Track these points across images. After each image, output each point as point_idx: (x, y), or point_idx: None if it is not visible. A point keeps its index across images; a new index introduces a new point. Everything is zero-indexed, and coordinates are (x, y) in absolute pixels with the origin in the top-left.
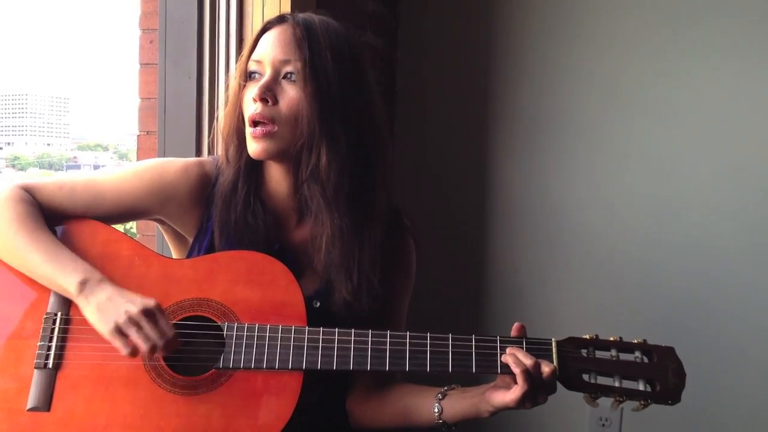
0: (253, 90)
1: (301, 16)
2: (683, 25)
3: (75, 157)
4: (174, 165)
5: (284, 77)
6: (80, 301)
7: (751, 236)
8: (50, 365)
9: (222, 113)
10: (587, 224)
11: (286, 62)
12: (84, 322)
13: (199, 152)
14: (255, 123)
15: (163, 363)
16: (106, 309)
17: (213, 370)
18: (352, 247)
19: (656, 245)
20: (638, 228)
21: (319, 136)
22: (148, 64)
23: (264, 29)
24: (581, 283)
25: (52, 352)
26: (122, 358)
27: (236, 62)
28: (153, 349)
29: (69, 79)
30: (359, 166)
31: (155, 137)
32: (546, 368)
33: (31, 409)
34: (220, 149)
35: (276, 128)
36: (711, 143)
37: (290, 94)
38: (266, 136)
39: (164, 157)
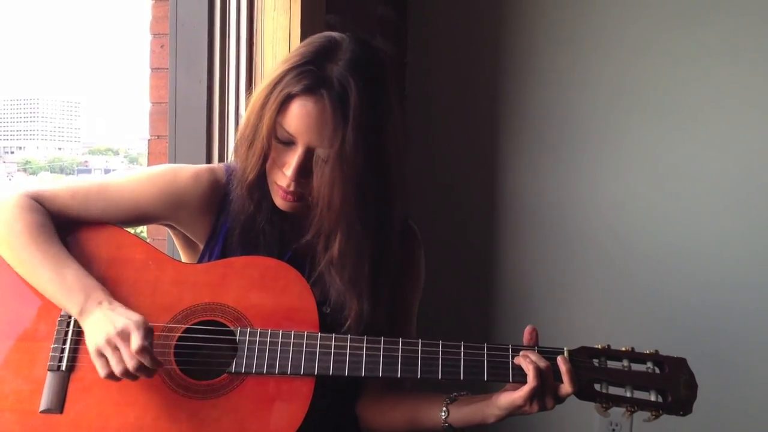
0: (285, 155)
1: (338, 81)
2: (691, 28)
3: (86, 161)
4: (186, 172)
5: (320, 156)
6: (81, 323)
7: (764, 238)
8: (63, 368)
9: (238, 135)
10: (597, 228)
11: (319, 146)
12: None
13: (209, 156)
14: (287, 194)
15: (175, 367)
16: (93, 330)
17: (225, 374)
18: (375, 295)
19: (668, 250)
20: (650, 232)
21: (339, 223)
22: (158, 68)
23: (297, 93)
24: (592, 288)
25: (65, 355)
26: None
27: (246, 65)
28: (125, 372)
29: (80, 84)
30: (379, 223)
31: (166, 141)
32: (563, 366)
33: (44, 411)
34: (232, 157)
35: (308, 197)
36: (723, 147)
37: (320, 174)
38: (299, 199)
39: (175, 161)
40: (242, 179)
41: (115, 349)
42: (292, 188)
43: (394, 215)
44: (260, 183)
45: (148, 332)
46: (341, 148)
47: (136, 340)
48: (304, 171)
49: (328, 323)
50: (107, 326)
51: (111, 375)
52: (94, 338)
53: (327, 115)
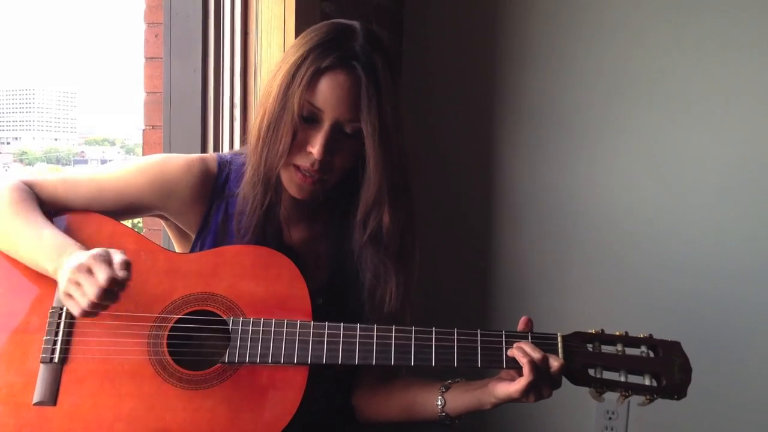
0: (308, 135)
1: (364, 56)
2: (689, 18)
3: (82, 152)
4: (176, 161)
5: (346, 131)
6: (57, 278)
7: (759, 230)
8: (56, 359)
9: (256, 123)
10: (593, 219)
11: (352, 121)
12: None
13: (204, 145)
14: (308, 172)
15: (168, 357)
16: (61, 276)
17: (219, 364)
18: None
19: (663, 240)
20: (645, 223)
21: (387, 198)
22: (153, 58)
23: (326, 68)
24: (587, 279)
25: (57, 347)
26: (128, 352)
27: (240, 54)
28: (92, 304)
29: (76, 74)
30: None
31: (161, 131)
32: (554, 362)
33: (37, 404)
34: (237, 147)
35: (329, 177)
36: (719, 137)
37: (350, 148)
38: (318, 182)
39: (170, 150)
40: (264, 169)
41: (78, 285)
42: (317, 166)
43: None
44: (274, 180)
45: (107, 259)
46: (380, 119)
47: (101, 268)
48: (329, 148)
49: (321, 315)
50: (77, 259)
51: (84, 313)
52: (61, 283)
53: (361, 87)
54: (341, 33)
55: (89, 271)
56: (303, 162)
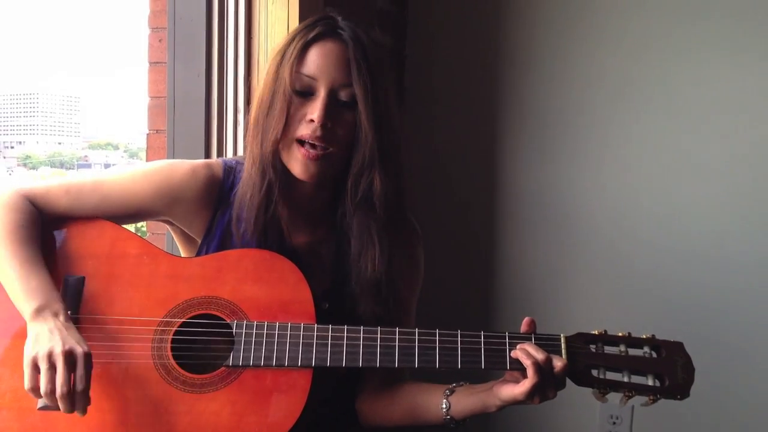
0: (305, 107)
1: (348, 29)
2: (694, 22)
3: (86, 156)
4: (182, 167)
5: (341, 99)
6: (29, 327)
7: (762, 233)
8: None
9: (252, 115)
10: (596, 221)
11: (345, 86)
12: (93, 320)
13: (208, 150)
14: (311, 145)
15: (173, 361)
16: (38, 338)
17: (222, 368)
18: (389, 264)
19: (666, 243)
20: (648, 225)
21: (378, 161)
22: (157, 62)
23: (313, 39)
24: (590, 280)
25: None
26: (132, 356)
27: (244, 58)
28: (52, 394)
29: (80, 78)
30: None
31: (164, 136)
32: (558, 363)
33: (41, 409)
34: (243, 151)
35: (332, 150)
36: (722, 140)
37: (348, 119)
38: (322, 158)
39: (174, 155)
40: (262, 150)
41: (52, 367)
42: (319, 132)
43: (405, 177)
44: (274, 162)
45: (90, 368)
46: (372, 80)
47: (80, 370)
48: (329, 113)
49: (327, 320)
50: (55, 341)
51: (34, 390)
52: (37, 347)
53: (349, 52)
54: (324, 16)
55: (52, 367)
56: (305, 131)
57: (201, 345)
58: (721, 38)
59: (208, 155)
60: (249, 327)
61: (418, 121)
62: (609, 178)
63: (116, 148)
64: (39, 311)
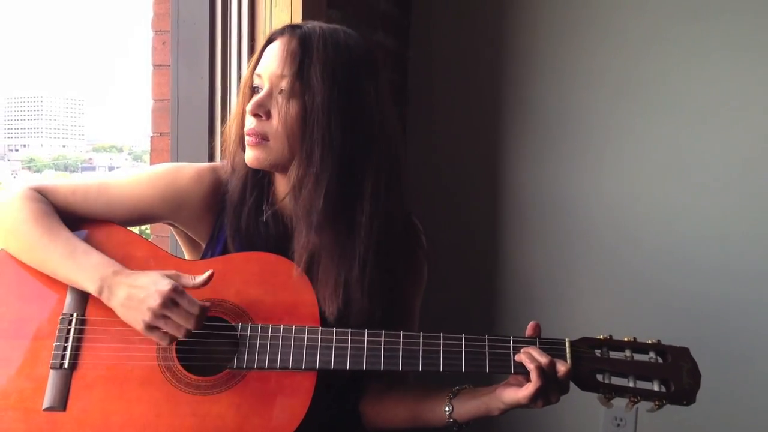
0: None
1: (305, 27)
2: (696, 22)
3: (90, 159)
4: (187, 171)
5: (279, 92)
6: (104, 300)
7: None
8: (66, 365)
9: (230, 120)
10: (601, 224)
11: (282, 77)
12: (99, 323)
13: (211, 152)
14: (249, 134)
15: (177, 363)
16: (129, 308)
17: (227, 370)
18: (333, 263)
19: (671, 246)
20: (653, 228)
21: (299, 153)
22: (160, 65)
23: (269, 40)
24: (595, 284)
25: (67, 353)
26: (137, 358)
27: (248, 62)
28: (188, 333)
29: (84, 81)
30: (343, 180)
31: (168, 138)
32: (561, 367)
33: (47, 409)
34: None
35: (267, 142)
36: (725, 141)
37: (282, 109)
38: (258, 145)
39: (177, 158)
40: (229, 153)
41: (166, 318)
42: (252, 125)
43: (369, 174)
44: (252, 179)
45: (181, 289)
46: (297, 78)
47: (184, 299)
48: (260, 104)
49: (332, 323)
50: (146, 300)
51: (171, 341)
52: (137, 315)
53: (291, 46)
54: (293, 24)
55: (174, 303)
56: (246, 125)
57: (206, 347)
58: (725, 39)
59: (211, 158)
60: (253, 330)
61: (420, 123)
62: (613, 181)
63: (120, 150)
64: (101, 284)
